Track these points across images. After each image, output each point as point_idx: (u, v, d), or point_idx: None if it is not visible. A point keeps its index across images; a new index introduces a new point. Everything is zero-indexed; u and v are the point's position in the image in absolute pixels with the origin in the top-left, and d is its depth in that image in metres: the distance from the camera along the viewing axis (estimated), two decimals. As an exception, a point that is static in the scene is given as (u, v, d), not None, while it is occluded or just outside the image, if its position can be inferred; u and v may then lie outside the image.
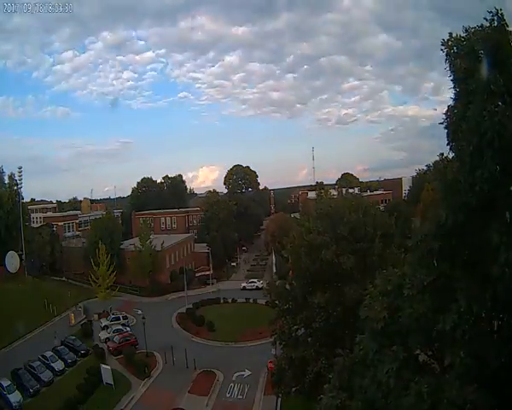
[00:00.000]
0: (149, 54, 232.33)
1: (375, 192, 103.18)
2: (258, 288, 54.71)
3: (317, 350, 21.24)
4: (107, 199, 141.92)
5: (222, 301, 53.31)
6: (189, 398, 29.86)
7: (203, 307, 50.71)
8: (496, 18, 7.54)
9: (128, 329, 42.18)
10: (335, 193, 36.17)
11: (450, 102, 8.45)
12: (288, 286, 24.86)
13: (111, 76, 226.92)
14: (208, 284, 62.12)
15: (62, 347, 37.23)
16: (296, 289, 23.59)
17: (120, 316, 45.10)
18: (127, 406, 29.19)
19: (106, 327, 42.62)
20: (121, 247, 64.21)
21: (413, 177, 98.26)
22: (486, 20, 7.65)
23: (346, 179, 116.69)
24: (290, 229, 26.94)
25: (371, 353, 9.77)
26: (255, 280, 60.70)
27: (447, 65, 8.17)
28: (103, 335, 40.84)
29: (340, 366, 11.84)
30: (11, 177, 65.15)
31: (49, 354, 35.22)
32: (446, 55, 8.15)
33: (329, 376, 11.92)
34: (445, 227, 8.06)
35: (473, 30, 7.96)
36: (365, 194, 75.00)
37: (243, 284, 59.92)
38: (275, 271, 54.30)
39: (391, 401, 8.80)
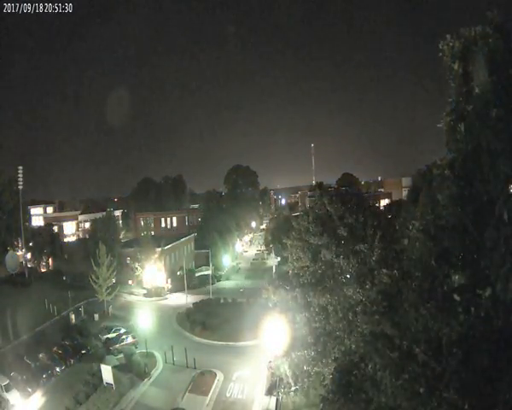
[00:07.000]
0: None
1: (375, 192, 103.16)
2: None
3: (317, 350, 21.29)
4: (107, 199, 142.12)
5: (222, 300, 53.40)
6: (189, 398, 29.85)
7: (203, 306, 50.77)
8: (493, 20, 7.56)
9: (128, 329, 42.20)
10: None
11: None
12: (287, 286, 24.87)
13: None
14: (208, 284, 62.14)
15: (62, 347, 37.21)
16: (296, 289, 23.61)
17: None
18: (127, 406, 29.18)
19: (106, 327, 42.67)
20: (121, 247, 64.31)
21: (413, 177, 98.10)
22: (484, 21, 7.67)
23: (346, 179, 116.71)
24: (290, 228, 26.86)
25: (370, 352, 9.79)
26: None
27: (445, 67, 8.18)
28: (104, 335, 40.85)
29: (339, 365, 11.87)
30: (11, 177, 65.05)
31: (48, 353, 35.20)
32: (444, 57, 8.16)
33: (329, 376, 11.94)
34: (443, 228, 8.08)
35: (471, 32, 7.97)
36: (365, 194, 75.03)
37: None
38: (274, 270, 54.40)
39: (390, 401, 8.83)
